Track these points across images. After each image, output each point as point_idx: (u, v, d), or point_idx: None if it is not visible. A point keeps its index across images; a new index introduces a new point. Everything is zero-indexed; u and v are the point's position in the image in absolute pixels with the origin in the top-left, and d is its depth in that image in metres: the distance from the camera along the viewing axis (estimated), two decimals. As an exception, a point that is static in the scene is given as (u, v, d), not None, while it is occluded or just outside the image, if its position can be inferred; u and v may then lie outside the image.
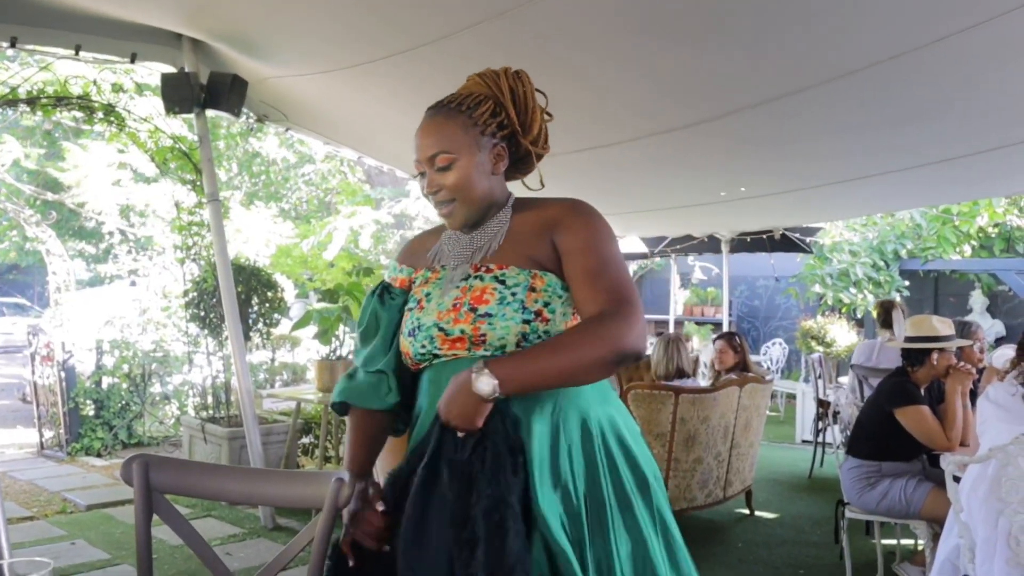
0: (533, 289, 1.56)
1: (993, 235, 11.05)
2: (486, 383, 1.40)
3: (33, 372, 7.74)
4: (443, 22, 3.22)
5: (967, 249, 11.19)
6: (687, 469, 4.63)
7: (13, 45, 3.87)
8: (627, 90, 4.01)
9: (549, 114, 1.72)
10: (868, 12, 2.91)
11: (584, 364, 1.45)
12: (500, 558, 1.35)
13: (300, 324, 6.32)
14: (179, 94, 4.31)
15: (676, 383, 4.86)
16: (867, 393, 5.41)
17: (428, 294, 1.65)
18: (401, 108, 4.63)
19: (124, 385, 7.58)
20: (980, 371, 4.29)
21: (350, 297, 5.42)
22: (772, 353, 11.96)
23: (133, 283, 13.64)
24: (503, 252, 1.63)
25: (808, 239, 9.72)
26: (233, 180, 16.44)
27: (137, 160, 10.08)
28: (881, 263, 11.58)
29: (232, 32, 4.01)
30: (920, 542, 3.92)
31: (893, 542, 4.38)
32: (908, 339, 3.90)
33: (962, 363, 3.86)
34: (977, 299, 11.37)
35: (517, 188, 1.77)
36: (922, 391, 3.83)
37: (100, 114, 5.13)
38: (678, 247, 10.09)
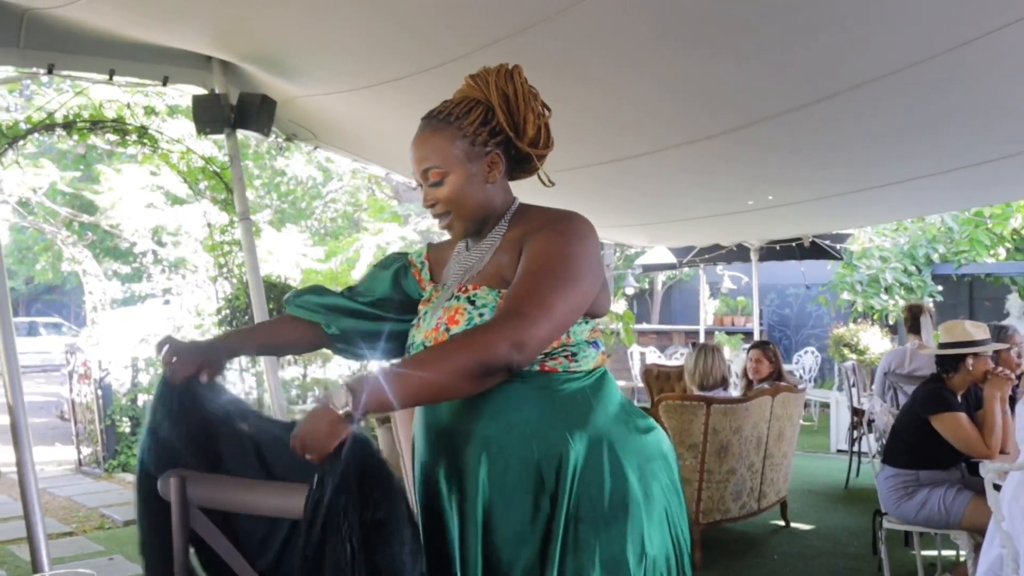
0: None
1: (1028, 237, 10.90)
2: (339, 400, 1.30)
3: (71, 390, 7.87)
4: (471, 38, 3.24)
5: (1001, 252, 11.01)
6: (720, 480, 4.60)
7: (50, 72, 3.96)
8: (654, 100, 4.01)
9: (547, 108, 1.65)
10: (898, 15, 2.89)
11: (444, 375, 1.34)
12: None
13: (331, 340, 6.36)
14: (210, 115, 4.38)
15: (715, 393, 4.84)
16: (902, 400, 5.34)
17: (425, 312, 1.65)
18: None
19: (159, 402, 7.67)
20: (1020, 376, 4.22)
21: (380, 312, 5.45)
22: (804, 362, 11.85)
23: (167, 301, 13.81)
24: (486, 270, 1.59)
25: (838, 246, 9.62)
26: (263, 200, 16.63)
27: (169, 181, 10.25)
28: (912, 268, 11.43)
29: (261, 53, 4.07)
30: (961, 553, 3.86)
31: (933, 553, 4.28)
32: (942, 345, 3.86)
33: (1000, 368, 3.80)
34: (1014, 303, 11.18)
35: (527, 187, 1.74)
36: (959, 397, 3.77)
37: (134, 136, 5.22)
38: (706, 257, 10.02)
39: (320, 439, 1.30)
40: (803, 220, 7.79)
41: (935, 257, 11.34)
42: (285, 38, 3.74)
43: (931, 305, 8.75)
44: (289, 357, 6.56)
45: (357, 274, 13.00)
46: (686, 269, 12.48)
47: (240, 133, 4.62)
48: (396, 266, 1.80)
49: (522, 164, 1.67)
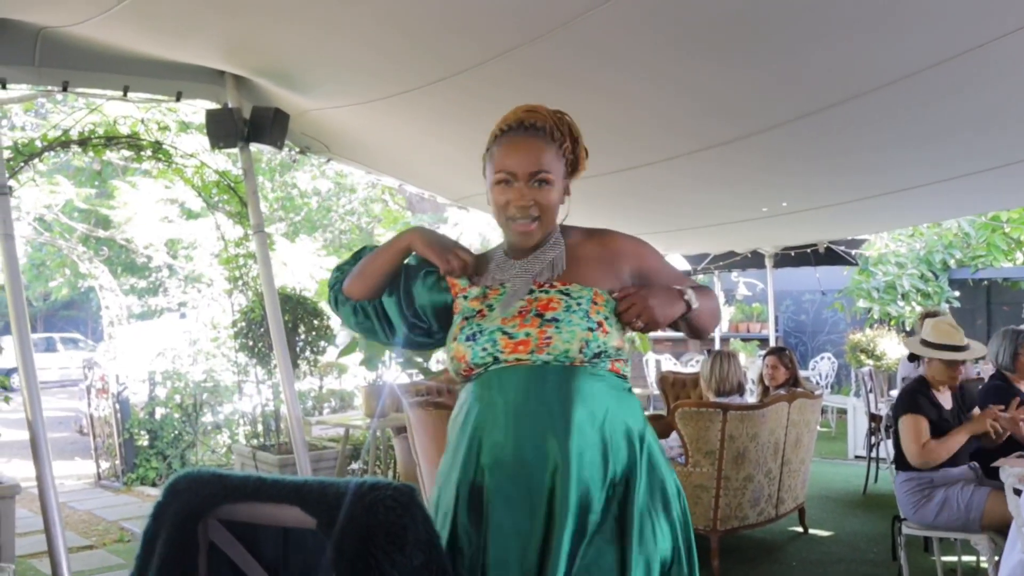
0: (595, 303, 1.71)
1: (1046, 241, 10.80)
2: (693, 299, 1.75)
3: (89, 405, 7.93)
4: (477, 49, 3.26)
5: (1019, 256, 10.92)
6: (737, 487, 4.57)
7: (65, 89, 4.01)
8: (665, 109, 4.01)
9: (586, 150, 1.86)
10: (912, 18, 2.87)
11: (715, 313, 1.85)
12: None
13: (346, 351, 6.40)
14: (223, 129, 4.41)
15: (731, 400, 4.82)
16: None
17: (490, 306, 1.76)
18: (439, 135, 4.68)
19: (176, 415, 7.72)
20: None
21: (395, 323, 5.45)
22: (821, 368, 11.77)
23: (183, 315, 13.91)
24: (571, 273, 1.78)
25: (854, 251, 9.57)
26: (276, 213, 16.72)
27: (184, 195, 10.33)
28: (929, 274, 11.35)
29: (273, 67, 4.10)
30: (982, 559, 3.82)
31: (954, 559, 4.24)
32: (929, 344, 3.88)
33: (1003, 412, 3.70)
34: (1033, 307, 11.09)
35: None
36: (941, 391, 3.81)
37: (148, 151, 5.27)
38: (721, 264, 10.00)
39: (666, 307, 1.70)
40: (818, 226, 7.76)
41: (952, 262, 11.25)
42: (296, 52, 3.77)
43: (948, 311, 8.69)
44: (304, 368, 6.56)
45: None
46: (701, 276, 12.44)
47: (253, 147, 4.65)
48: (432, 277, 1.90)
49: None
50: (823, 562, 4.68)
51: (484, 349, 1.69)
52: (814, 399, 5.18)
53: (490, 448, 1.69)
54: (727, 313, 13.56)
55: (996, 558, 3.36)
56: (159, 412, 7.68)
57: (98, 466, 7.77)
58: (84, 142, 5.02)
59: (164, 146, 5.37)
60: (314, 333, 6.30)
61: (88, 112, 5.76)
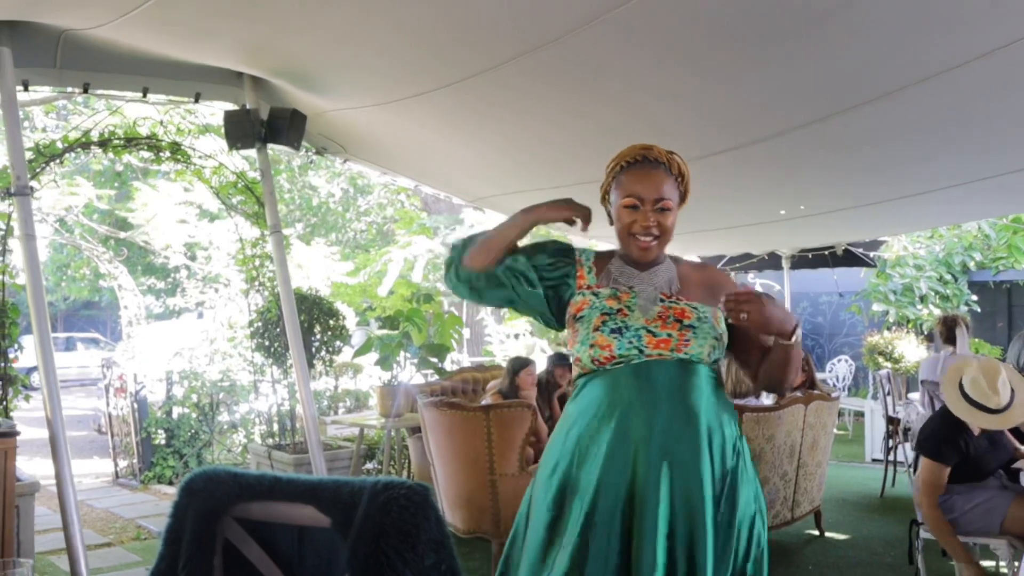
0: (715, 319, 2.03)
1: (1068, 242, 10.66)
2: (799, 333, 1.98)
3: (107, 404, 8.00)
4: (489, 55, 3.28)
5: (1041, 258, 10.80)
6: (753, 490, 4.55)
7: (86, 91, 4.05)
8: (681, 115, 4.00)
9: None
10: (934, 20, 2.85)
11: (798, 367, 2.10)
12: None
13: (362, 351, 6.41)
14: (241, 130, 4.44)
15: (747, 401, 4.80)
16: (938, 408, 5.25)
17: (629, 306, 2.02)
18: (454, 136, 4.69)
19: (193, 415, 7.77)
20: None
21: (410, 323, 5.48)
22: (838, 370, 11.70)
23: (200, 315, 14.01)
24: (687, 292, 2.07)
25: (872, 253, 9.50)
26: (293, 214, 16.80)
27: (202, 197, 10.38)
28: (948, 277, 11.24)
29: (290, 69, 4.13)
30: (1001, 564, 3.78)
31: (972, 563, 4.22)
32: (964, 395, 3.44)
33: None
34: (1054, 310, 10.97)
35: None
36: (973, 432, 3.50)
37: (167, 153, 5.31)
38: (737, 265, 9.95)
39: (775, 310, 1.90)
40: (835, 228, 7.70)
41: (971, 264, 11.13)
42: (314, 54, 3.79)
43: (967, 315, 8.59)
44: (320, 367, 6.59)
45: (383, 289, 13.09)
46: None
47: (271, 148, 4.68)
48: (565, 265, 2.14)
49: None
50: (839, 566, 4.65)
51: (630, 343, 1.95)
52: (831, 401, 5.14)
53: (644, 421, 1.92)
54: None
55: (1016, 563, 3.33)
56: (176, 411, 7.73)
57: (116, 464, 7.84)
58: (104, 143, 5.05)
59: (183, 147, 5.41)
60: (329, 333, 6.32)
61: (108, 114, 5.81)
